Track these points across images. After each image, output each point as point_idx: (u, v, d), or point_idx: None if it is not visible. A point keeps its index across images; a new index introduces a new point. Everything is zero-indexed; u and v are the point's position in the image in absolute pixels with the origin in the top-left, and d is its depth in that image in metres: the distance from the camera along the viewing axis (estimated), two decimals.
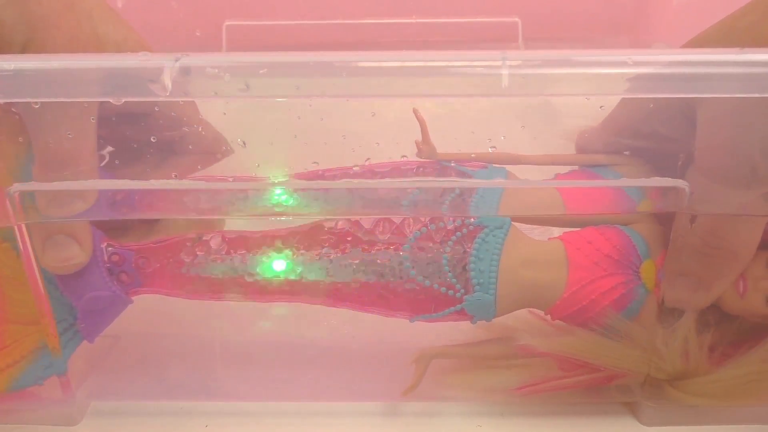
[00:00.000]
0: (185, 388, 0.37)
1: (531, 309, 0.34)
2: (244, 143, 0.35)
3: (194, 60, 0.27)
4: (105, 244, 0.33)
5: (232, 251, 0.33)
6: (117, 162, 0.33)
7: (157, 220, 0.36)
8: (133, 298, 0.34)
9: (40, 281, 0.32)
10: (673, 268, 0.31)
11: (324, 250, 0.33)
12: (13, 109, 0.29)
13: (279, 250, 0.33)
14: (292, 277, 0.33)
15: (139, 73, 0.27)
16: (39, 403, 0.35)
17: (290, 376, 0.37)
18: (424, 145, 0.34)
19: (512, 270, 0.32)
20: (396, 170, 0.34)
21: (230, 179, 0.32)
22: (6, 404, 0.34)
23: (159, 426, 0.34)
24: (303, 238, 0.33)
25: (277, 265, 0.33)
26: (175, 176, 0.34)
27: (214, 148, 0.35)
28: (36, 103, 0.28)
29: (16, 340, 0.32)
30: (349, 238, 0.33)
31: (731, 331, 0.33)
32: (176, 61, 0.26)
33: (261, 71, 0.26)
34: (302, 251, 0.33)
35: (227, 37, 0.65)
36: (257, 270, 0.33)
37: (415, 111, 0.33)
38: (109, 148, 0.33)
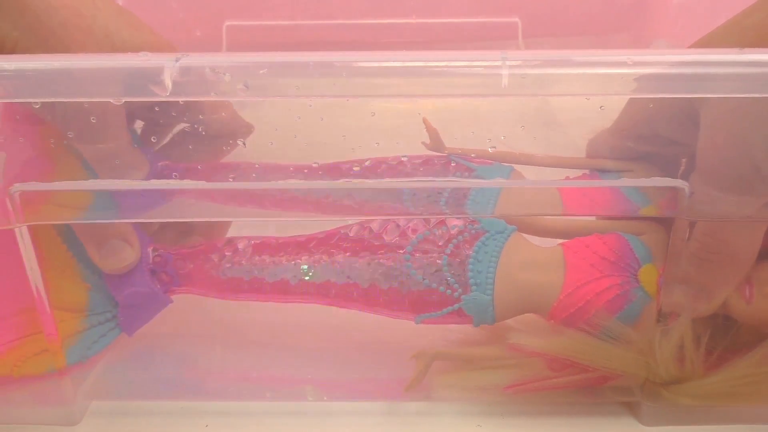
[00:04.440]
0: (185, 388, 0.37)
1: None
2: (244, 143, 0.35)
3: (194, 60, 0.27)
4: (151, 248, 0.35)
5: (256, 255, 0.35)
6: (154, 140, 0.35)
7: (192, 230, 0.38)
8: (173, 297, 0.35)
9: (43, 290, 0.33)
10: (673, 275, 0.31)
11: (338, 254, 0.34)
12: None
13: (298, 255, 0.35)
14: (308, 279, 0.34)
15: (139, 73, 0.27)
16: (39, 403, 0.35)
17: (290, 376, 0.37)
18: (433, 146, 0.35)
19: (510, 272, 0.33)
20: (404, 162, 0.35)
21: (256, 165, 0.34)
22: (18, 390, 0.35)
23: (159, 426, 0.34)
24: (319, 244, 0.35)
25: (296, 268, 0.34)
26: (175, 176, 0.34)
27: (236, 129, 0.36)
28: (36, 103, 0.28)
29: (59, 322, 0.34)
30: (360, 243, 0.34)
31: (727, 335, 0.32)
32: (176, 61, 0.26)
33: (261, 71, 0.26)
34: (318, 255, 0.34)
35: (227, 37, 0.66)
36: (278, 272, 0.34)
37: (425, 121, 0.34)
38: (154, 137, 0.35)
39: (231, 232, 0.38)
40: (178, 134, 0.35)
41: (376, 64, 0.27)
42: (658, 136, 0.32)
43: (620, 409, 0.35)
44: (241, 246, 0.35)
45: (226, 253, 0.35)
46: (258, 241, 0.35)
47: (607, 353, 0.32)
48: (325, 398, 0.36)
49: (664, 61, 0.26)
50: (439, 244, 0.33)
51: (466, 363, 0.35)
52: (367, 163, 0.35)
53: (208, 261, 0.35)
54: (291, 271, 0.34)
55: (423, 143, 0.35)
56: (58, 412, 0.35)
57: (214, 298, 0.35)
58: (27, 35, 0.29)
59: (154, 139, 0.35)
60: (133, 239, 0.34)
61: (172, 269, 0.35)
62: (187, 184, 0.32)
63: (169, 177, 0.34)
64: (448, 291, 0.33)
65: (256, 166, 0.34)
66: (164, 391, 0.37)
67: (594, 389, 0.34)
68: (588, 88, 0.27)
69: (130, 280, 0.34)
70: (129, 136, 0.33)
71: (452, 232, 0.34)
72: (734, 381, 0.32)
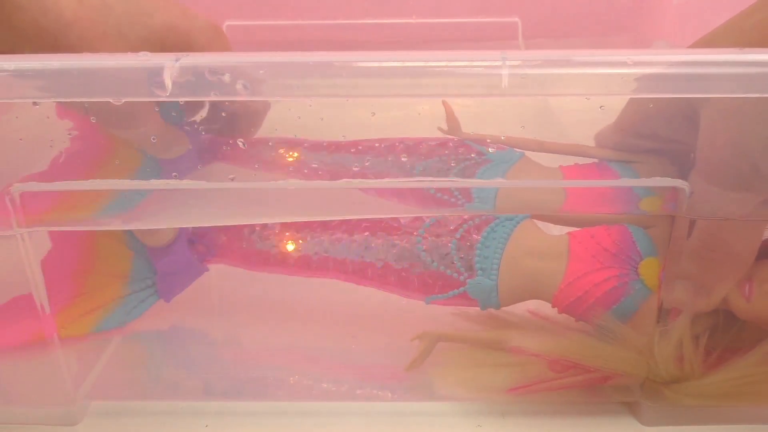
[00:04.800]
0: (185, 388, 0.37)
1: (533, 310, 0.34)
2: (244, 143, 0.35)
3: (194, 60, 0.27)
4: None
5: (283, 230, 0.36)
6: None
7: None
8: (209, 266, 0.37)
9: (45, 298, 0.33)
10: (673, 271, 0.31)
11: (357, 233, 0.35)
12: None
13: (320, 232, 0.36)
14: (328, 255, 0.36)
15: (139, 73, 0.27)
16: (39, 403, 0.35)
17: (290, 376, 0.37)
18: (450, 129, 0.35)
19: (515, 258, 0.33)
20: (421, 143, 0.36)
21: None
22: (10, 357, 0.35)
23: (159, 426, 0.34)
24: (341, 222, 0.36)
25: (318, 243, 0.36)
26: (175, 176, 0.34)
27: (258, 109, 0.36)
28: (36, 102, 0.28)
29: (104, 286, 0.36)
30: (378, 223, 0.35)
31: (727, 335, 0.32)
32: (176, 61, 0.26)
33: (261, 71, 0.26)
34: (339, 234, 0.36)
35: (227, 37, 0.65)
36: (301, 246, 0.36)
37: (445, 104, 0.35)
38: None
39: None
40: (211, 110, 0.35)
41: (376, 64, 0.27)
42: (658, 135, 0.32)
43: (620, 409, 0.35)
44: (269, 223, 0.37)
45: (257, 228, 0.37)
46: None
47: (608, 353, 0.32)
48: (325, 398, 0.36)
49: (664, 61, 0.26)
50: (451, 228, 0.34)
51: (468, 347, 0.35)
52: (371, 155, 0.35)
53: (240, 234, 0.37)
54: (313, 246, 0.36)
55: (439, 129, 0.35)
56: (58, 412, 0.35)
57: (246, 270, 0.37)
58: None
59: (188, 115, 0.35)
60: None
61: (209, 240, 0.37)
62: (187, 184, 0.32)
63: (213, 147, 0.35)
64: (455, 274, 0.34)
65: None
66: (164, 391, 0.37)
67: (594, 389, 0.34)
68: (588, 88, 0.27)
69: (170, 249, 0.36)
70: (158, 117, 0.33)
71: (464, 216, 0.34)
72: (734, 381, 0.32)
